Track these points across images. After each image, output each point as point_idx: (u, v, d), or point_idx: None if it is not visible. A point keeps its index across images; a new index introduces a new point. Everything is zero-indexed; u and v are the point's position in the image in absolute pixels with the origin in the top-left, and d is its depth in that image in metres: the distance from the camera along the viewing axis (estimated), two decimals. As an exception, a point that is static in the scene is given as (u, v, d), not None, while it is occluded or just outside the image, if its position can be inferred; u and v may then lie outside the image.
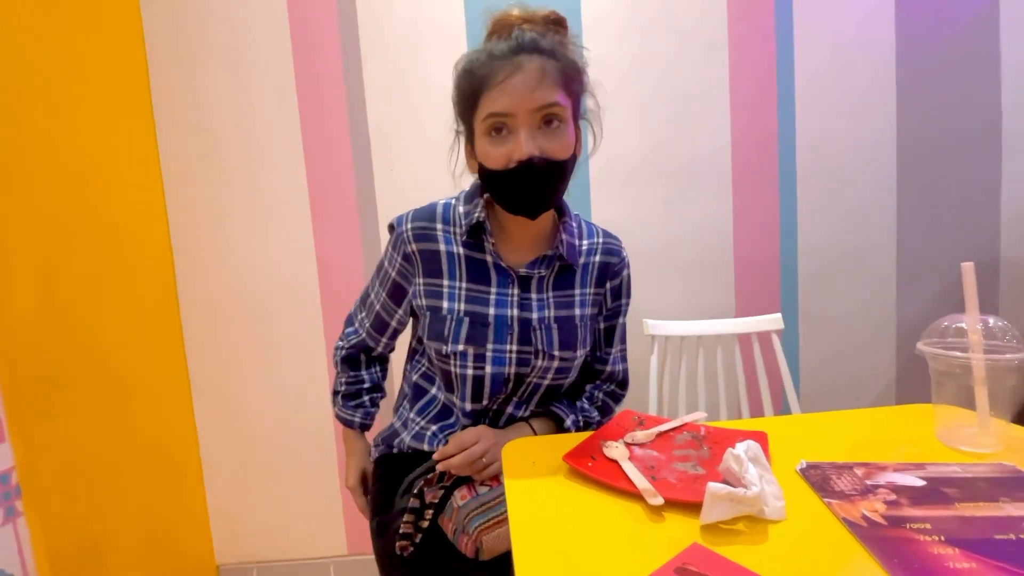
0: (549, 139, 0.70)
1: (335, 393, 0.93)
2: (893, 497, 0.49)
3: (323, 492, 1.53)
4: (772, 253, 1.49)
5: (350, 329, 0.92)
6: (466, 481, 0.75)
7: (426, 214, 0.82)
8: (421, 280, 0.80)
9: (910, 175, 1.47)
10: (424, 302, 0.80)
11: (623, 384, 0.95)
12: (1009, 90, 1.45)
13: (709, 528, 0.47)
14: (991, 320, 0.60)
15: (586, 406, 0.90)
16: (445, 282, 0.80)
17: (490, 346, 0.78)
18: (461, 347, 0.77)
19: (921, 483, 0.51)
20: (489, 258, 0.80)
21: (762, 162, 1.47)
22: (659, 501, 0.50)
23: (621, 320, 0.92)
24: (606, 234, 0.89)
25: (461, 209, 0.81)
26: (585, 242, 0.86)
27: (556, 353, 0.80)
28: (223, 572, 1.55)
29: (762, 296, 1.50)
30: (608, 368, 0.92)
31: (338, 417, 0.93)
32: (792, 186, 1.48)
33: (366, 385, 0.92)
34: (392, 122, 1.45)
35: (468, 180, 0.83)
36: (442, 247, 0.80)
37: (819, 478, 0.54)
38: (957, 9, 1.43)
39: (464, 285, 0.79)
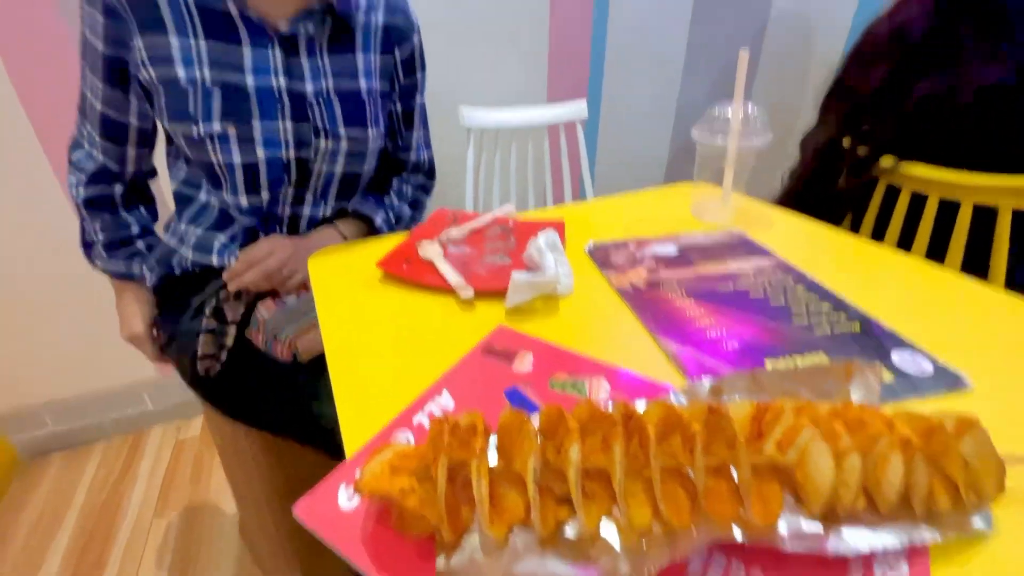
0: None
1: (89, 245, 0.73)
2: (653, 265, 0.60)
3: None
4: (584, 36, 1.46)
5: (79, 155, 0.69)
6: (269, 293, 0.70)
7: None
8: (140, 43, 0.60)
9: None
10: (152, 73, 0.61)
11: (431, 173, 0.89)
12: None
13: (512, 311, 0.52)
14: (749, 106, 0.69)
15: (395, 202, 0.84)
16: (174, 41, 0.60)
17: (257, 124, 0.64)
18: (217, 126, 0.62)
19: (674, 251, 0.63)
20: (232, 7, 0.61)
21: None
22: (469, 293, 0.54)
23: (419, 100, 0.82)
24: None
25: None
26: None
27: (342, 132, 0.69)
28: (11, 420, 1.37)
29: (572, 81, 1.51)
30: (412, 157, 0.84)
31: (106, 271, 0.74)
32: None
33: (134, 231, 0.73)
34: None
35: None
36: None
37: (602, 256, 0.63)
38: None
39: (202, 44, 0.61)
